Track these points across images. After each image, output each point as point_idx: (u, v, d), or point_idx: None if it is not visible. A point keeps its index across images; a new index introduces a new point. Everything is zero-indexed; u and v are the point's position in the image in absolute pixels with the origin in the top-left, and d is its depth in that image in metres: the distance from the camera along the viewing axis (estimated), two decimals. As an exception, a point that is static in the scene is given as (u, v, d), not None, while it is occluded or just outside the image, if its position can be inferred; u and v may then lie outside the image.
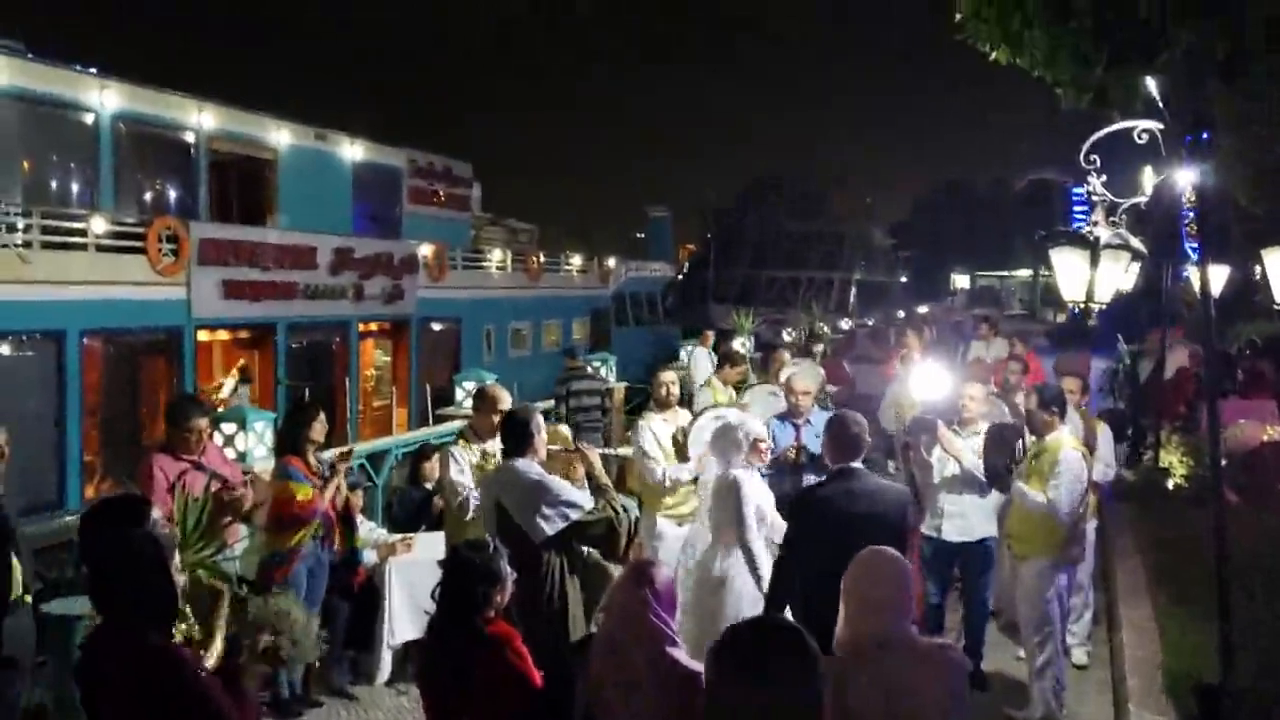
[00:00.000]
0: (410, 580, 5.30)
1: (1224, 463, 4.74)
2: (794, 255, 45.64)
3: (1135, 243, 4.38)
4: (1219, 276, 10.26)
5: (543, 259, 21.82)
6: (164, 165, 13.28)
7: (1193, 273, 10.40)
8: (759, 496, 4.63)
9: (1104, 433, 6.01)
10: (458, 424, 7.49)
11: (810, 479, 5.34)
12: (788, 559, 3.95)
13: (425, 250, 16.64)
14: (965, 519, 5.25)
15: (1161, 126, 4.13)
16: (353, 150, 15.97)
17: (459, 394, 10.13)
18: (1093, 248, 4.25)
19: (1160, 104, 4.16)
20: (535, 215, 30.41)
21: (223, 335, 13.57)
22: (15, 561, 4.03)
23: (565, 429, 5.68)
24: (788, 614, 3.79)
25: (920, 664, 2.45)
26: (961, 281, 61.90)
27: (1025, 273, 56.69)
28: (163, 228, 11.58)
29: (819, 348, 11.30)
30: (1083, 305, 4.39)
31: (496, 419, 4.60)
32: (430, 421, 12.03)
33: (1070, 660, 5.45)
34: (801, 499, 4.15)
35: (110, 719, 2.45)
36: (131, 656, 2.37)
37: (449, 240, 17.88)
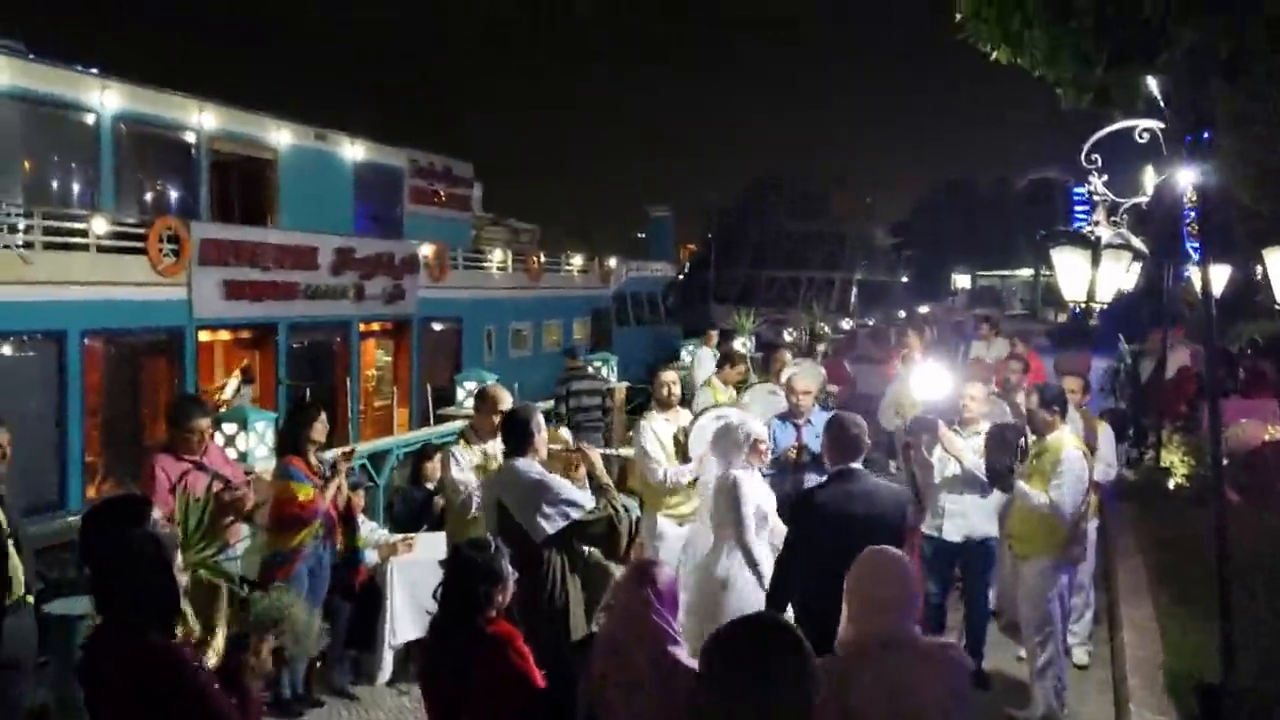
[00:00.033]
0: (412, 580, 5.30)
1: (1225, 462, 4.73)
2: (795, 255, 45.63)
3: (1136, 242, 4.38)
4: (1220, 276, 10.25)
5: (543, 259, 21.82)
6: (165, 165, 13.28)
7: (1194, 272, 10.41)
8: (758, 497, 4.63)
9: (1105, 432, 6.00)
10: (459, 424, 7.49)
11: (811, 478, 5.34)
12: (788, 561, 3.95)
13: (426, 250, 16.65)
14: (966, 518, 5.25)
15: (1163, 126, 4.13)
16: (354, 150, 15.98)
17: (460, 394, 10.14)
18: (1094, 247, 4.25)
19: (1161, 103, 4.16)
20: (536, 215, 30.45)
21: (224, 335, 13.58)
22: (17, 561, 4.04)
23: (565, 432, 5.68)
24: (789, 615, 3.80)
25: (923, 663, 2.45)
26: (962, 281, 61.84)
27: (1026, 272, 56.65)
28: (164, 228, 11.58)
29: (822, 347, 11.31)
30: (1084, 305, 4.38)
31: (497, 419, 4.60)
32: (431, 421, 12.04)
33: (1071, 660, 5.45)
34: (801, 501, 4.16)
35: (112, 718, 2.45)
36: (132, 656, 2.37)
37: (450, 240, 17.89)
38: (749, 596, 4.38)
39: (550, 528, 3.76)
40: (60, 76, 11.38)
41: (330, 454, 5.36)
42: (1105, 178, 4.29)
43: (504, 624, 2.95)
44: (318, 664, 5.21)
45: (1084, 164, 4.29)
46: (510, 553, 3.08)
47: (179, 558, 2.59)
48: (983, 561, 5.33)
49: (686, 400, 6.65)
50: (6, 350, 10.15)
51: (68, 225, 10.71)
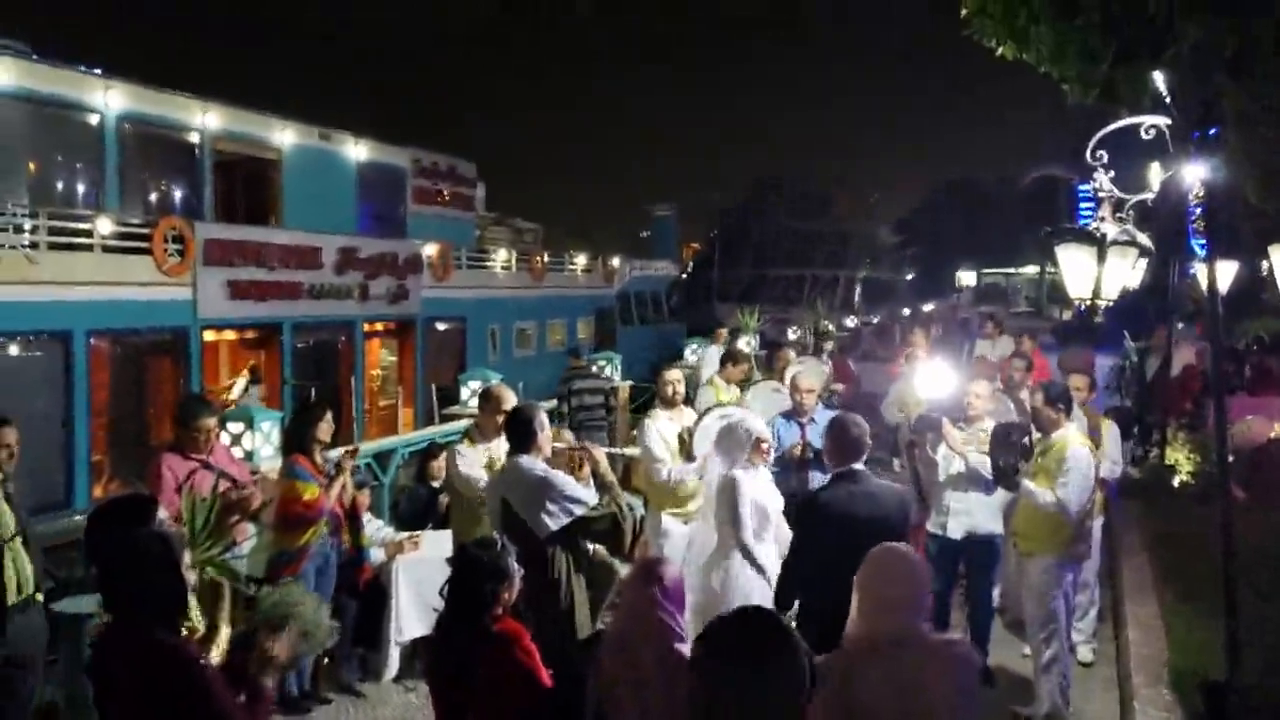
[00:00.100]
0: (417, 578, 5.32)
1: (1231, 459, 4.72)
2: (799, 253, 45.58)
3: (1142, 239, 4.37)
4: (1226, 273, 10.22)
5: (547, 258, 21.82)
6: (169, 166, 13.30)
7: (1200, 269, 10.37)
8: (760, 496, 4.62)
9: (1111, 430, 5.99)
10: (463, 423, 7.50)
11: (816, 476, 5.35)
12: (793, 564, 3.97)
13: (430, 250, 16.66)
14: (970, 516, 5.25)
15: (1169, 122, 4.12)
16: (357, 150, 15.99)
17: (464, 393, 10.13)
18: (1099, 244, 4.24)
19: (1168, 99, 4.15)
20: (538, 215, 30.42)
21: (229, 335, 13.60)
22: (26, 559, 4.05)
23: (569, 434, 5.70)
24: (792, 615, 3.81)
25: (932, 661, 2.45)
26: (967, 279, 61.73)
27: (1031, 270, 56.53)
28: (168, 228, 11.61)
29: (829, 345, 11.28)
30: (1089, 302, 4.38)
31: (501, 418, 4.61)
32: (436, 421, 12.04)
33: (1076, 657, 5.44)
34: (805, 503, 4.18)
35: (120, 716, 2.46)
36: (140, 654, 2.38)
37: (454, 240, 17.90)
38: (752, 596, 4.38)
39: (554, 524, 3.77)
40: (64, 77, 11.40)
41: (335, 453, 5.38)
42: (1111, 174, 4.28)
43: (510, 622, 2.96)
44: (324, 661, 5.22)
45: (1090, 160, 4.28)
46: (516, 550, 3.09)
47: (187, 556, 2.60)
48: (987, 559, 5.32)
49: (690, 399, 6.64)
50: (13, 350, 10.18)
51: (73, 225, 10.73)
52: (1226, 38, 4.00)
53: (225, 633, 2.73)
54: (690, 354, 15.22)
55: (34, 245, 10.14)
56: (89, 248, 10.76)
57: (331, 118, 15.64)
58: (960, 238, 57.20)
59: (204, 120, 12.99)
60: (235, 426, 6.60)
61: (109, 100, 11.71)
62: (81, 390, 10.45)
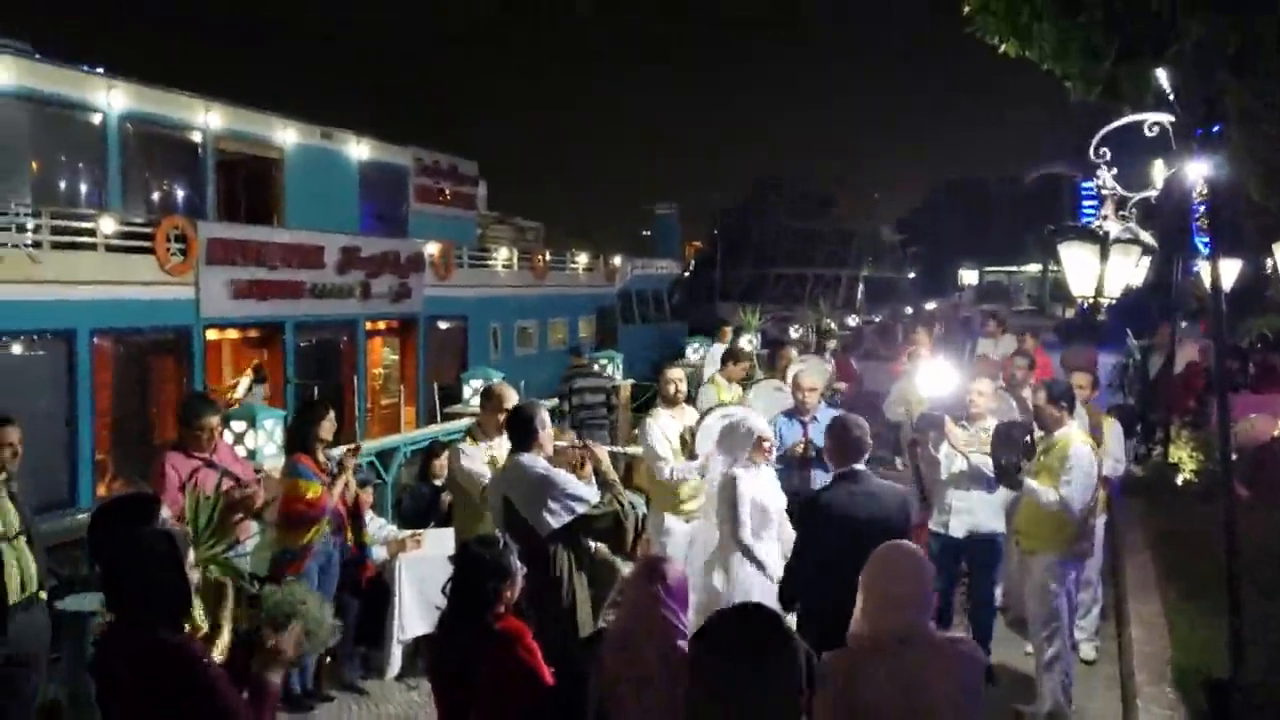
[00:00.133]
0: (420, 576, 5.33)
1: (1234, 458, 4.72)
2: (801, 252, 45.56)
3: (1145, 237, 4.36)
4: (1230, 270, 10.20)
5: (549, 257, 21.82)
6: (171, 165, 13.32)
7: (1203, 267, 10.37)
8: (760, 494, 4.62)
9: (1114, 428, 5.98)
10: (465, 422, 7.51)
11: (818, 475, 5.34)
12: (796, 565, 3.97)
13: (432, 249, 16.67)
14: (972, 515, 5.24)
15: (1172, 119, 4.12)
16: (359, 149, 16.00)
17: (466, 392, 10.15)
18: (1102, 242, 4.24)
19: (1170, 96, 4.14)
20: (541, 214, 30.40)
21: (231, 334, 13.62)
22: (30, 557, 4.06)
23: (571, 435, 5.70)
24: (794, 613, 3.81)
25: (937, 659, 2.45)
26: (970, 277, 61.70)
27: (1034, 268, 56.51)
28: (171, 227, 11.63)
29: (832, 344, 11.27)
30: (1092, 300, 4.37)
31: (503, 417, 4.61)
32: (438, 419, 12.06)
33: (1079, 655, 5.44)
34: (807, 504, 4.19)
35: (123, 714, 2.47)
36: (144, 653, 2.38)
37: (455, 239, 17.91)
38: (752, 595, 4.38)
39: (555, 522, 3.77)
40: (67, 76, 11.42)
41: (337, 451, 5.39)
42: (1114, 172, 4.28)
43: (512, 620, 2.96)
44: (327, 659, 5.23)
45: (1093, 158, 4.28)
46: (518, 548, 3.09)
47: (191, 554, 2.61)
48: (989, 557, 5.32)
49: (691, 398, 6.64)
50: (16, 349, 10.20)
51: (76, 225, 10.76)
52: (1229, 35, 3.99)
53: (228, 633, 2.74)
54: (692, 353, 15.22)
55: (37, 245, 10.17)
56: (92, 247, 10.78)
57: (332, 118, 15.69)
58: (962, 236, 57.21)
59: (206, 119, 13.01)
60: (238, 425, 6.61)
61: (112, 100, 11.72)
62: (85, 389, 10.47)
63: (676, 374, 5.96)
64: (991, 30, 4.56)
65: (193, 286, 11.86)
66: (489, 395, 5.09)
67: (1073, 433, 4.88)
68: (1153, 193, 4.55)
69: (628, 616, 2.86)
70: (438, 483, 6.39)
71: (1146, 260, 4.79)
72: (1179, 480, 8.65)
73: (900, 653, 2.42)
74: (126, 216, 11.62)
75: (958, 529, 5.25)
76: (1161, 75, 4.21)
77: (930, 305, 34.00)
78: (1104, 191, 4.36)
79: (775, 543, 4.63)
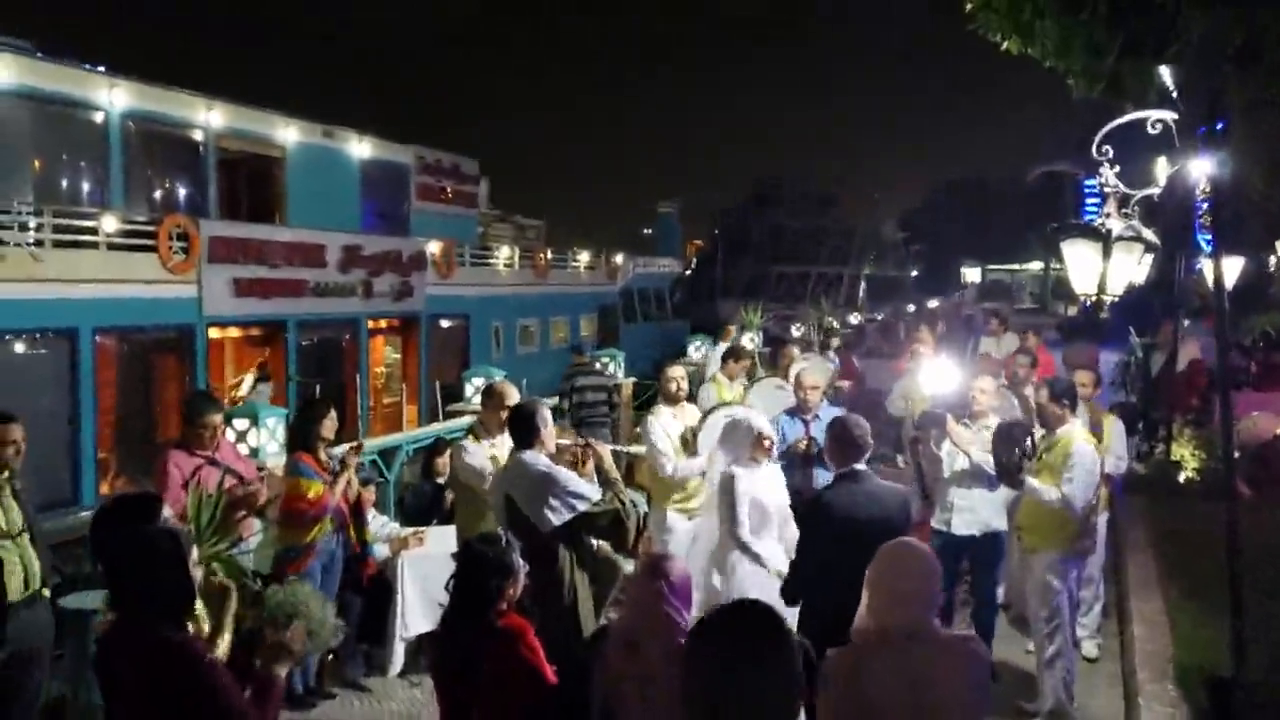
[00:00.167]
0: (422, 573, 5.33)
1: (1236, 455, 4.71)
2: (803, 250, 45.54)
3: (1148, 234, 4.36)
4: (1233, 268, 10.19)
5: (550, 255, 21.82)
6: (173, 163, 13.33)
7: (1206, 264, 10.35)
8: (761, 493, 4.60)
9: (1116, 426, 5.97)
10: (467, 420, 7.51)
11: (820, 474, 5.34)
12: (800, 565, 3.99)
13: (433, 247, 16.67)
14: (974, 512, 5.24)
15: (1175, 116, 4.11)
16: (360, 147, 16.00)
17: (468, 390, 10.16)
18: (1105, 240, 4.23)
19: (1174, 93, 4.13)
20: (542, 212, 30.40)
21: (234, 333, 13.64)
22: (33, 555, 4.07)
23: (572, 433, 5.70)
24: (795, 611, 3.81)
25: (944, 656, 2.45)
26: (972, 275, 61.63)
27: (1036, 266, 56.43)
28: (173, 226, 11.64)
29: (835, 342, 11.26)
30: (1095, 298, 4.37)
31: (505, 414, 4.61)
32: (440, 417, 12.07)
33: (1081, 653, 5.44)
34: (808, 504, 4.20)
35: (127, 713, 2.47)
36: (146, 651, 2.39)
37: (457, 237, 17.91)
38: (752, 593, 4.38)
39: (556, 519, 3.78)
40: (69, 75, 11.42)
41: (339, 449, 5.39)
42: (1117, 169, 4.27)
43: (515, 617, 2.96)
44: (330, 657, 5.24)
45: (1095, 155, 4.27)
46: (520, 546, 3.09)
47: (195, 553, 2.61)
48: (991, 555, 5.31)
49: (692, 396, 6.64)
50: (19, 348, 10.22)
51: (78, 223, 10.76)
52: (1232, 30, 3.98)
53: (229, 635, 2.73)
54: (694, 351, 15.21)
55: (39, 243, 10.18)
56: (94, 245, 10.79)
57: (334, 117, 15.68)
58: (964, 234, 57.13)
59: (208, 118, 13.01)
60: (241, 423, 6.62)
61: (113, 98, 11.73)
62: (87, 387, 10.49)
63: (678, 372, 5.96)
64: (994, 27, 4.56)
65: (195, 285, 11.87)
66: (490, 393, 5.09)
67: (1075, 430, 4.88)
68: (1155, 190, 4.54)
69: (632, 614, 2.86)
70: (440, 481, 6.40)
71: (1149, 258, 4.78)
72: (1181, 478, 8.64)
73: (907, 649, 2.42)
74: (128, 215, 11.62)
75: (960, 527, 5.25)
76: (1164, 72, 4.20)
77: (932, 303, 33.99)
78: (1107, 189, 4.36)
79: (776, 542, 4.62)
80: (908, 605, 2.47)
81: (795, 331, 17.81)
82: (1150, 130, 4.16)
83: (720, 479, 4.74)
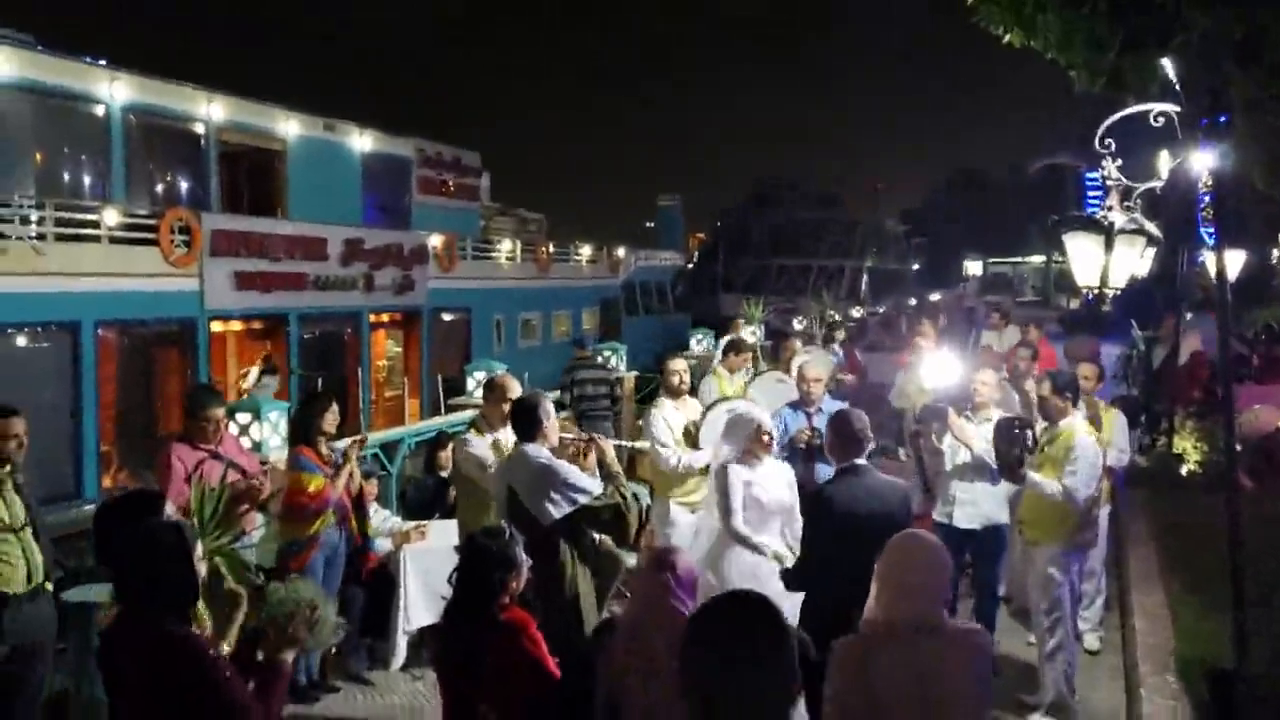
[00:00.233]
0: (425, 567, 5.34)
1: (1238, 448, 4.71)
2: (804, 244, 45.45)
3: (1150, 227, 4.35)
4: (1235, 261, 10.17)
5: (552, 249, 21.80)
6: (175, 157, 13.32)
7: (1208, 257, 10.32)
8: (759, 488, 4.56)
9: (1118, 419, 5.97)
10: (469, 413, 7.52)
11: (822, 468, 5.34)
12: (804, 559, 3.99)
13: (435, 241, 16.66)
14: (976, 506, 5.24)
15: (1177, 110, 4.10)
16: (362, 141, 15.98)
17: (470, 384, 10.16)
18: (1107, 233, 4.22)
19: (1176, 87, 4.12)
20: (544, 206, 30.28)
21: (236, 326, 13.64)
22: (36, 548, 4.08)
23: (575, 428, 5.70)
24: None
25: (953, 648, 2.46)
26: (974, 268, 61.53)
27: (1038, 259, 56.33)
28: (175, 219, 11.63)
29: (839, 335, 11.25)
30: (1097, 291, 4.36)
31: (507, 408, 4.62)
32: (442, 411, 12.09)
33: (1082, 646, 5.45)
34: (810, 499, 4.20)
35: (130, 706, 2.48)
36: (150, 645, 2.40)
37: (459, 230, 17.89)
38: (753, 582, 4.38)
39: (557, 512, 3.78)
40: (70, 68, 11.41)
41: (342, 443, 5.40)
42: (1119, 162, 4.26)
43: (518, 611, 2.97)
44: (333, 651, 5.25)
45: (1098, 149, 4.26)
46: (523, 539, 3.10)
47: (200, 547, 2.62)
48: (993, 548, 5.32)
49: (694, 389, 6.64)
50: (21, 341, 10.23)
51: (79, 217, 10.76)
52: (1234, 25, 3.97)
53: (234, 637, 2.74)
54: (696, 344, 15.20)
55: (41, 236, 10.18)
56: (96, 239, 10.79)
57: (334, 116, 15.64)
58: (966, 227, 57.00)
59: (209, 111, 12.99)
60: (243, 417, 6.62)
61: (114, 91, 11.71)
62: (89, 381, 10.50)
63: (680, 365, 5.97)
64: (996, 20, 4.54)
65: (197, 278, 11.87)
66: (492, 387, 5.09)
67: (1077, 423, 4.88)
68: (1158, 183, 4.53)
69: (637, 606, 2.86)
70: (443, 474, 6.41)
71: (1151, 251, 4.77)
72: (1183, 471, 8.64)
73: (915, 641, 2.43)
74: (130, 208, 11.62)
75: (961, 520, 5.25)
76: (1166, 65, 4.18)
77: (934, 296, 33.96)
78: (1109, 182, 4.35)
79: (777, 537, 4.60)
80: (916, 598, 2.47)
81: (797, 325, 17.80)
82: (1152, 123, 4.15)
83: (716, 471, 4.73)
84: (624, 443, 5.92)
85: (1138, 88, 4.36)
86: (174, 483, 4.50)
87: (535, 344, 19.85)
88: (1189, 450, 8.93)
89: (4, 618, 3.94)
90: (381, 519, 5.85)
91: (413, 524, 5.79)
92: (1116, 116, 4.22)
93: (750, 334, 13.18)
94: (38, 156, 11.52)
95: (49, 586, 4.20)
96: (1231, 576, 4.00)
